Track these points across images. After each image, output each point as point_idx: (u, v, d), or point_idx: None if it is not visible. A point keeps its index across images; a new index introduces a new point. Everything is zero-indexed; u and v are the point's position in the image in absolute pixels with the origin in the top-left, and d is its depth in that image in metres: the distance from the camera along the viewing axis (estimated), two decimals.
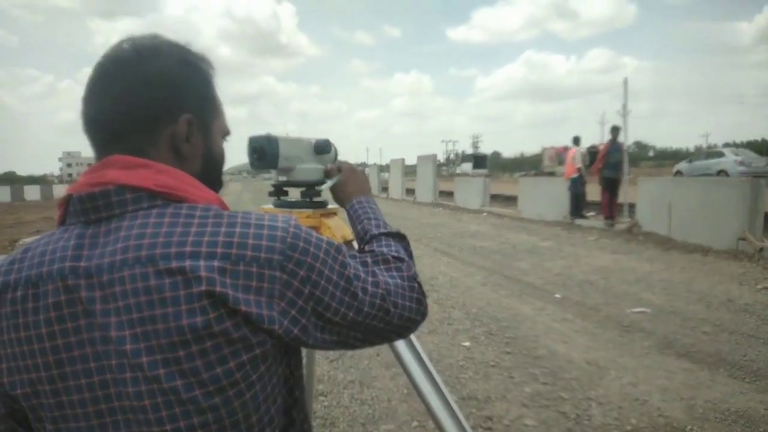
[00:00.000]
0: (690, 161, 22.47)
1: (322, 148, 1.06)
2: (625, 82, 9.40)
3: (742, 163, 18.42)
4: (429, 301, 3.21)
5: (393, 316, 0.72)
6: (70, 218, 0.65)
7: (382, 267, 0.77)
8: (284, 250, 0.62)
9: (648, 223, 8.82)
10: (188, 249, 0.59)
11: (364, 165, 40.85)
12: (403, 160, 23.95)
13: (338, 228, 1.07)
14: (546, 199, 11.90)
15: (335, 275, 0.66)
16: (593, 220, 10.73)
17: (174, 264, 0.58)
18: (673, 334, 4.24)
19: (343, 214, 1.13)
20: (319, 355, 3.99)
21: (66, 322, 0.60)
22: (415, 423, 2.90)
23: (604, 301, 5.25)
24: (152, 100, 0.66)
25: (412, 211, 16.64)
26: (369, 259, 0.77)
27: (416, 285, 0.78)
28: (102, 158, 0.66)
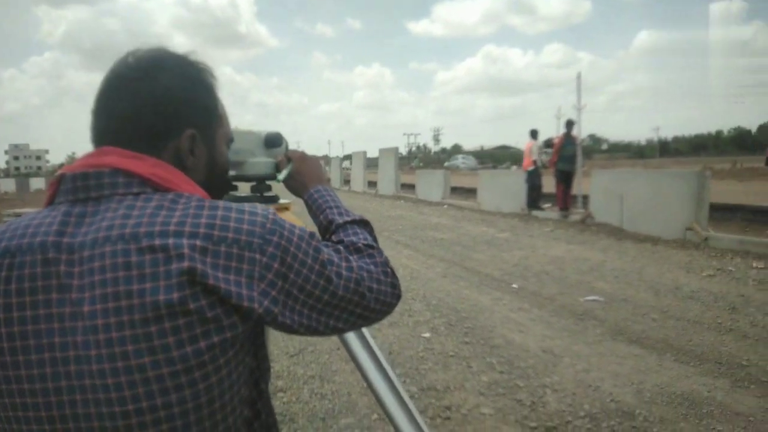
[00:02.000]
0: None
1: (273, 141, 1.04)
2: (579, 77, 9.66)
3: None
4: None
5: (369, 300, 0.74)
6: (60, 197, 0.66)
7: (354, 255, 0.78)
8: (263, 235, 0.64)
9: (601, 214, 9.11)
10: (172, 228, 0.61)
11: (326, 157, 40.64)
12: (364, 152, 23.91)
13: (290, 218, 1.06)
14: (504, 191, 12.12)
15: (310, 259, 0.68)
16: (549, 211, 11.00)
17: (157, 241, 0.59)
18: (624, 321, 4.40)
19: (298, 207, 1.11)
20: (279, 350, 3.96)
21: (37, 294, 0.59)
22: (375, 416, 2.91)
23: (559, 291, 5.40)
24: (157, 117, 0.70)
25: (374, 204, 16.67)
26: (341, 247, 0.78)
27: (389, 270, 0.80)
28: None
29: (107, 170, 0.65)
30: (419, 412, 2.82)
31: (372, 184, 21.99)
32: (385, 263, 0.80)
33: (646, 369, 3.44)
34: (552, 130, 10.50)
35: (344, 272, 0.72)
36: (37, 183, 43.29)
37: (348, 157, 27.86)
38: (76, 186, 0.65)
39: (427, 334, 4.23)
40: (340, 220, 0.89)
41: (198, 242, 0.60)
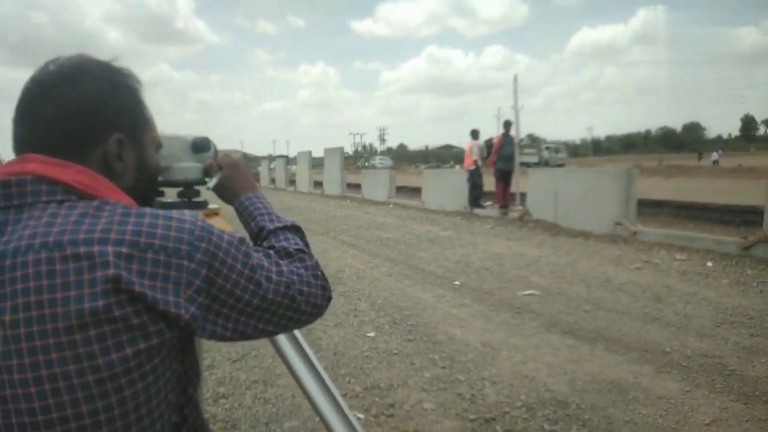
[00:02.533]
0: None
1: (201, 146, 1.03)
2: (515, 79, 9.98)
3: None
4: (335, 294, 3.20)
5: (300, 303, 0.76)
6: None
7: (285, 260, 0.79)
8: (192, 241, 0.65)
9: (537, 211, 9.45)
10: (97, 236, 0.61)
11: (270, 157, 39.91)
12: (310, 152, 23.68)
13: (219, 224, 1.06)
14: (447, 190, 12.34)
15: (239, 264, 0.69)
16: (490, 209, 11.31)
17: (82, 249, 0.59)
18: (558, 313, 4.60)
19: (228, 212, 1.11)
20: (221, 356, 3.89)
21: None
22: (318, 418, 2.91)
23: (498, 286, 5.57)
24: (82, 122, 0.70)
25: (320, 204, 16.56)
26: (272, 252, 0.80)
27: (319, 273, 0.82)
28: None
29: (30, 178, 0.64)
30: (362, 411, 2.85)
31: (318, 184, 21.84)
32: (315, 267, 0.82)
33: (579, 359, 3.62)
34: (493, 130, 10.84)
35: (274, 276, 0.73)
36: None
37: (293, 161, 27.51)
38: (1, 193, 0.64)
39: (371, 334, 4.27)
40: (271, 226, 0.90)
41: (124, 249, 0.60)
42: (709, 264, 6.08)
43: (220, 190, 1.02)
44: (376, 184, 16.19)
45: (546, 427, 2.75)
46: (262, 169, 32.77)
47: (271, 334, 0.78)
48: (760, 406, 2.88)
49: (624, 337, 4.00)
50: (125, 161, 0.74)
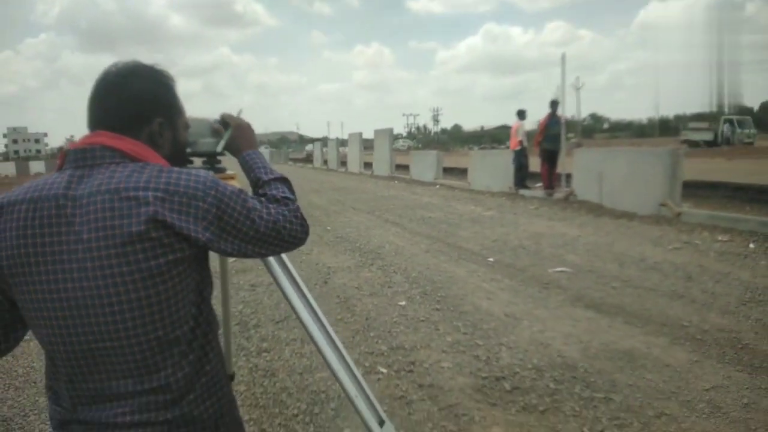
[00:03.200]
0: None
1: (218, 128, 1.34)
2: (563, 59, 9.86)
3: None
4: (374, 267, 3.68)
5: (283, 235, 1.06)
6: (66, 165, 0.97)
7: (273, 204, 1.09)
8: (204, 189, 0.95)
9: (583, 192, 9.42)
10: (141, 185, 0.90)
11: (326, 139, 40.63)
12: (360, 134, 24.08)
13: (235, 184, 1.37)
14: (493, 171, 12.41)
15: (239, 206, 1.00)
16: (535, 190, 11.31)
17: (131, 193, 0.90)
18: (585, 289, 4.75)
19: (238, 172, 1.40)
20: (265, 317, 4.32)
21: (53, 226, 0.90)
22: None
23: (532, 263, 5.74)
24: (135, 110, 1.01)
25: (369, 185, 16.94)
26: (264, 199, 1.10)
27: (299, 214, 1.11)
28: None
29: (98, 147, 0.96)
30: (385, 367, 3.19)
31: (368, 165, 22.24)
32: (297, 210, 1.11)
33: (596, 330, 3.79)
34: (563, 107, 10.65)
35: (264, 216, 1.04)
36: (37, 166, 43.47)
37: (345, 143, 27.97)
38: (77, 157, 0.95)
39: (403, 303, 4.58)
40: (265, 177, 1.19)
41: (159, 194, 0.91)
42: (751, 245, 5.99)
43: (228, 146, 1.30)
44: (424, 165, 16.38)
45: (551, 386, 2.98)
46: (316, 151, 33.51)
47: (263, 255, 1.11)
48: (764, 377, 2.99)
49: (646, 311, 4.12)
50: (164, 137, 1.05)
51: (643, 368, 3.16)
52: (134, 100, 1.01)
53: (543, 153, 10.64)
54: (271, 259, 1.32)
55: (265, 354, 3.62)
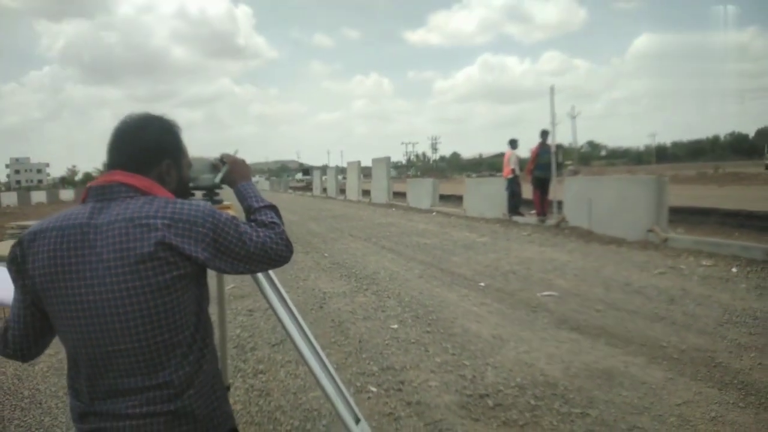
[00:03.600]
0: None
1: (218, 165, 1.56)
2: (552, 90, 10.20)
3: None
4: (368, 293, 3.95)
5: (270, 255, 1.27)
6: (89, 198, 1.18)
7: (262, 228, 1.30)
8: (203, 217, 1.15)
9: (573, 219, 9.65)
10: (152, 214, 1.11)
11: (322, 168, 41.17)
12: (359, 162, 24.45)
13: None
14: (487, 198, 12.67)
15: (232, 230, 1.20)
16: (528, 217, 11.54)
17: (143, 221, 1.10)
18: (571, 312, 4.92)
19: (233, 202, 1.61)
20: (261, 340, 4.49)
21: (78, 249, 1.10)
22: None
23: (521, 287, 5.93)
24: (147, 154, 1.22)
25: (367, 212, 17.19)
26: (254, 224, 1.31)
27: (284, 237, 1.31)
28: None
29: (116, 184, 1.16)
30: (375, 386, 3.36)
31: (367, 193, 22.54)
32: (282, 233, 1.32)
33: (579, 351, 3.96)
34: (553, 137, 10.97)
35: (254, 238, 1.24)
36: (38, 196, 43.94)
37: (344, 171, 28.41)
38: (98, 192, 1.16)
39: (395, 326, 4.75)
40: (256, 205, 1.41)
41: (166, 221, 1.11)
42: (734, 270, 6.19)
43: (225, 180, 1.53)
44: (421, 193, 16.66)
45: (532, 402, 3.14)
46: (315, 179, 33.87)
47: (253, 272, 1.32)
48: (733, 392, 3.16)
49: (627, 333, 4.29)
50: (171, 176, 1.26)
51: (620, 386, 3.33)
52: (147, 147, 1.23)
53: (535, 181, 10.92)
54: (262, 280, 1.51)
55: (261, 375, 3.78)
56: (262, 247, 1.25)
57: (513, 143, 11.82)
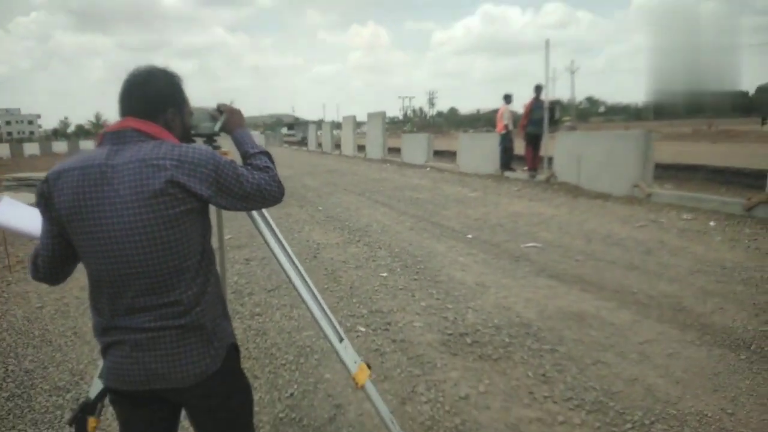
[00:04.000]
0: None
1: (217, 115, 1.73)
2: (547, 44, 10.17)
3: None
4: (360, 244, 4.27)
5: (265, 194, 1.45)
6: (105, 142, 1.34)
7: (257, 171, 1.48)
8: (207, 159, 1.32)
9: (563, 174, 9.83)
10: (161, 155, 1.27)
11: (317, 122, 40.87)
12: (354, 117, 24.33)
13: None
14: (480, 154, 12.78)
15: (231, 172, 1.38)
16: (520, 172, 11.71)
17: (155, 162, 1.27)
18: (551, 262, 5.18)
19: (231, 149, 1.79)
20: (258, 286, 4.74)
21: (98, 185, 1.28)
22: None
23: (506, 239, 6.17)
24: (154, 103, 1.39)
25: (362, 167, 17.28)
26: (249, 167, 1.49)
27: (277, 179, 1.49)
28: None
29: (129, 129, 1.34)
30: (364, 327, 3.62)
31: (362, 148, 22.55)
32: (275, 176, 1.50)
33: (554, 296, 4.23)
34: (547, 92, 10.98)
35: (250, 179, 1.43)
36: (31, 148, 43.60)
37: (339, 126, 28.26)
38: (113, 137, 1.33)
39: (384, 274, 5.01)
40: (251, 151, 1.58)
41: (174, 162, 1.29)
42: (712, 223, 6.44)
43: (223, 128, 1.70)
44: (415, 148, 16.73)
45: (506, 340, 3.42)
46: (311, 134, 33.69)
47: (250, 209, 1.51)
48: (692, 332, 3.44)
49: (602, 281, 4.56)
50: (175, 122, 1.44)
51: (590, 326, 3.60)
52: (153, 96, 1.39)
53: (527, 137, 11.03)
54: (258, 219, 1.71)
55: (257, 317, 4.05)
56: (258, 188, 1.43)
57: (507, 98, 11.84)
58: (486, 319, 3.78)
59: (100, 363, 1.49)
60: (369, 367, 1.82)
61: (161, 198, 1.27)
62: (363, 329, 3.71)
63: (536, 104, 10.99)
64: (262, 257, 5.70)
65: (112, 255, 1.30)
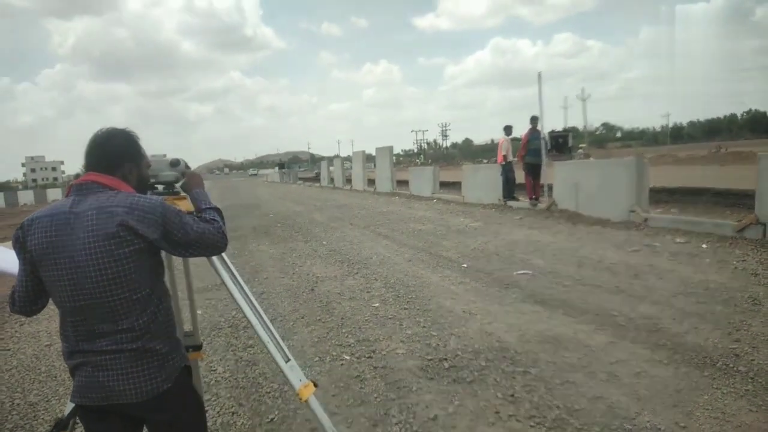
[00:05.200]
0: None
1: (174, 163, 1.99)
2: (539, 77, 10.47)
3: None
4: (358, 276, 4.57)
5: (207, 243, 1.67)
6: (72, 193, 1.58)
7: (202, 222, 1.71)
8: (155, 208, 1.56)
9: (563, 202, 9.97)
10: (115, 204, 1.51)
11: (328, 159, 41.72)
12: (363, 152, 24.85)
13: (185, 205, 1.99)
14: (483, 184, 13.00)
15: (176, 220, 1.61)
16: (523, 201, 11.86)
17: (110, 209, 1.51)
18: (540, 288, 5.31)
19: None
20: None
21: (62, 230, 1.51)
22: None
23: (500, 267, 6.31)
24: (113, 159, 1.63)
25: (370, 201, 17.59)
26: (197, 218, 1.72)
27: (221, 231, 1.72)
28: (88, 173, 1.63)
29: (90, 182, 1.59)
30: (349, 355, 3.78)
31: (372, 182, 22.93)
32: (219, 228, 1.73)
33: (537, 321, 4.36)
34: (559, 120, 11.24)
35: (195, 228, 1.65)
36: (54, 194, 45.01)
37: (349, 161, 28.80)
38: (78, 189, 1.59)
39: (376, 304, 5.18)
40: (203, 207, 1.84)
41: (126, 209, 1.53)
42: (704, 246, 6.51)
43: (184, 186, 1.97)
44: (422, 181, 17.02)
45: (482, 363, 3.56)
46: (323, 170, 34.28)
47: (193, 255, 1.71)
48: (663, 352, 3.54)
49: (585, 305, 4.68)
50: (132, 175, 1.68)
51: (565, 349, 3.72)
52: (112, 153, 1.64)
53: (526, 166, 11.23)
54: (218, 264, 1.94)
55: (249, 349, 4.24)
56: (200, 236, 1.66)
57: (507, 130, 12.10)
58: (467, 345, 3.92)
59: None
60: (316, 385, 2.01)
61: (114, 240, 1.50)
62: (348, 357, 3.87)
63: (533, 135, 11.23)
64: (261, 292, 5.92)
65: (73, 288, 1.52)
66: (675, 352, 3.53)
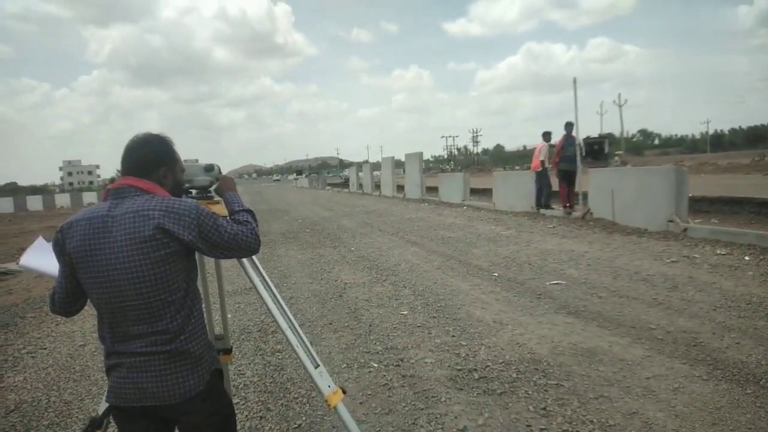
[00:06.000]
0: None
1: (209, 168, 2.01)
2: (575, 82, 10.28)
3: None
4: (386, 283, 4.58)
5: (241, 244, 1.69)
6: (109, 197, 1.62)
7: (236, 225, 1.73)
8: (190, 210, 1.58)
9: (599, 210, 9.75)
10: (152, 207, 1.54)
11: (363, 163, 41.97)
12: (392, 158, 24.85)
13: (219, 209, 2.01)
14: (515, 191, 12.82)
15: (211, 222, 1.63)
16: (556, 209, 11.65)
17: (146, 212, 1.54)
18: (573, 299, 5.18)
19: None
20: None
21: (100, 233, 1.55)
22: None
23: (532, 277, 6.19)
24: (149, 163, 1.66)
25: (399, 208, 17.56)
26: (231, 221, 1.74)
27: (254, 232, 1.73)
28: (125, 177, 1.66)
29: (127, 186, 1.62)
30: (377, 362, 3.77)
31: (401, 188, 22.91)
32: (252, 229, 1.74)
33: (570, 332, 4.24)
34: (596, 126, 11.08)
35: (228, 230, 1.67)
36: (90, 197, 46.53)
37: (379, 167, 28.91)
38: (114, 193, 1.62)
39: (405, 312, 5.14)
40: (236, 209, 1.85)
41: (162, 212, 1.55)
42: (747, 258, 6.25)
43: (217, 190, 2.00)
44: (452, 187, 16.90)
45: (513, 375, 3.48)
46: (351, 176, 34.43)
47: (227, 257, 1.73)
48: (702, 367, 3.40)
49: (621, 317, 4.53)
50: (167, 179, 1.71)
51: (600, 362, 3.61)
52: (147, 158, 1.67)
53: (560, 173, 11.03)
54: (249, 267, 1.95)
55: (278, 353, 4.26)
56: (234, 238, 1.67)
57: (546, 136, 11.91)
58: (497, 356, 3.84)
59: None
60: (344, 392, 1.99)
61: (150, 242, 1.52)
62: (375, 365, 3.84)
63: (567, 141, 11.03)
64: (290, 296, 5.95)
65: (109, 290, 1.55)
66: (715, 368, 3.38)
